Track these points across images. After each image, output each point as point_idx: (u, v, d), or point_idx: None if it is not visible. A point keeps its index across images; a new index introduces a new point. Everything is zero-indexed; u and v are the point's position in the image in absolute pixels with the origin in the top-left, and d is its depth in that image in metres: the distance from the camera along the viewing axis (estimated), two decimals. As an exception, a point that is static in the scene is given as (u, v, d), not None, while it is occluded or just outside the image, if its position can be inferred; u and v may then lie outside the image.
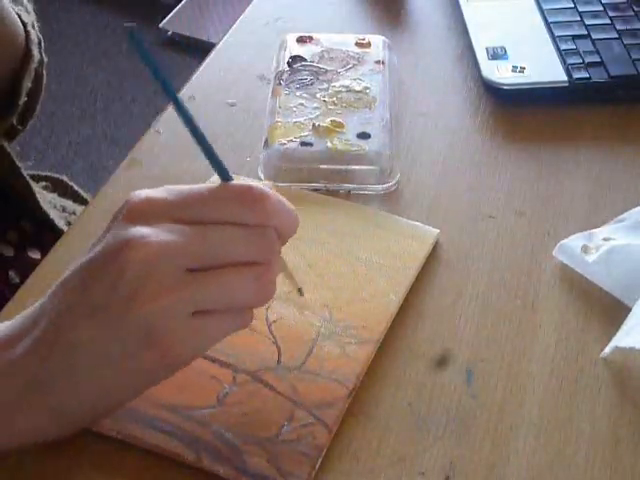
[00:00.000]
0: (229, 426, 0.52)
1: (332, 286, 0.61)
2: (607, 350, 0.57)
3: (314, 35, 0.81)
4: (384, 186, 0.69)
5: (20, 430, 0.48)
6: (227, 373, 0.55)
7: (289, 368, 0.55)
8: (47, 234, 0.84)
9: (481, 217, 0.68)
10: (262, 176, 0.69)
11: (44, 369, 0.46)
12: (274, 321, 0.58)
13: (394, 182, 0.70)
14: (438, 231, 0.65)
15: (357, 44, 0.81)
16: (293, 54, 0.79)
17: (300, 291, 0.54)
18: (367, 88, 0.75)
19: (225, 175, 0.48)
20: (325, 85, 0.76)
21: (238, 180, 0.48)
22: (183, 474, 0.51)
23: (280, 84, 0.75)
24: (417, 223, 0.66)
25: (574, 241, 0.63)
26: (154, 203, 0.46)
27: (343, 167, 0.69)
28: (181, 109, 0.49)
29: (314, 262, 0.62)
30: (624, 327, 0.57)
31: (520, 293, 0.62)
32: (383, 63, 0.78)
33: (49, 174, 0.92)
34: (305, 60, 0.78)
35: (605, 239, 0.62)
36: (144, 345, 0.45)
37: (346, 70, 0.77)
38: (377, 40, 0.81)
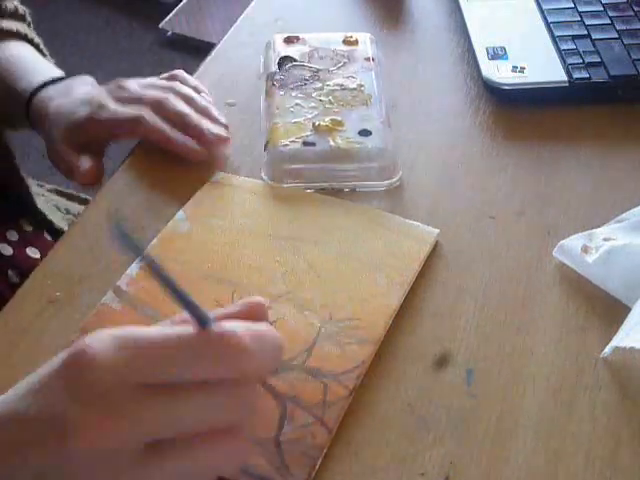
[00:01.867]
0: (229, 426, 0.52)
1: (332, 286, 0.61)
2: (607, 350, 0.57)
3: (300, 35, 0.81)
4: (388, 182, 0.69)
5: None
6: (227, 373, 0.55)
7: (289, 368, 0.55)
8: (46, 234, 0.84)
9: (481, 217, 0.68)
10: (265, 178, 0.69)
11: None
12: (274, 321, 0.58)
13: (397, 178, 0.70)
14: (438, 231, 0.65)
15: (345, 42, 0.81)
16: (282, 55, 0.79)
17: None
18: (361, 85, 0.75)
19: (203, 320, 0.40)
20: (319, 84, 0.76)
21: (218, 322, 0.40)
22: (183, 474, 0.51)
23: (274, 85, 0.76)
24: (417, 223, 0.66)
25: (574, 241, 0.63)
26: (108, 369, 0.38)
27: (347, 165, 0.69)
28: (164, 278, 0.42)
29: (314, 262, 0.62)
30: (624, 327, 0.57)
31: (520, 293, 0.62)
32: (373, 60, 0.78)
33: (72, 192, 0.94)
34: (295, 60, 0.78)
35: (605, 239, 0.62)
36: None
37: (338, 68, 0.77)
38: (364, 37, 0.81)
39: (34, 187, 0.87)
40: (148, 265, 0.41)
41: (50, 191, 0.93)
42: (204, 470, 0.39)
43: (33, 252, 0.81)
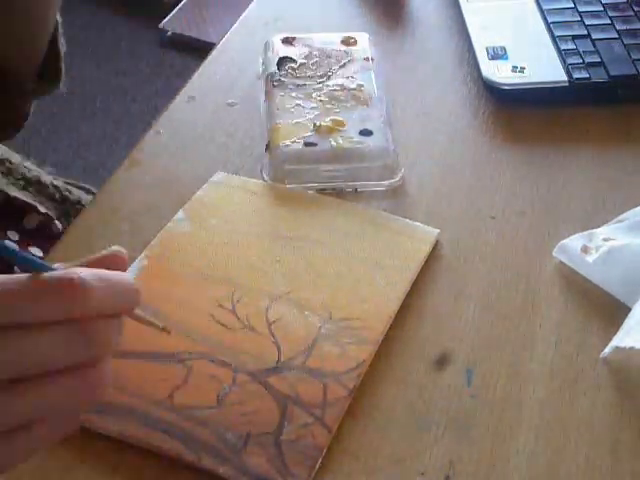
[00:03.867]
0: (229, 426, 0.52)
1: (332, 286, 0.61)
2: (607, 350, 0.57)
3: (298, 35, 0.81)
4: (390, 181, 0.70)
5: None
6: (227, 373, 0.55)
7: (289, 368, 0.55)
8: (49, 233, 0.84)
9: (481, 217, 0.68)
10: (267, 178, 0.69)
11: None
12: (274, 321, 0.58)
13: (399, 177, 0.70)
14: (438, 231, 0.65)
15: (343, 42, 0.81)
16: (280, 55, 0.79)
17: (165, 329, 0.46)
18: (361, 85, 0.75)
19: (37, 265, 0.40)
20: (319, 85, 0.76)
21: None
22: (183, 474, 0.51)
23: (274, 86, 0.76)
24: (417, 223, 0.66)
25: (574, 241, 0.63)
26: None
27: (349, 165, 0.69)
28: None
29: (314, 262, 0.62)
30: (624, 327, 0.57)
31: (520, 293, 0.62)
32: (372, 60, 0.78)
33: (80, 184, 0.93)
34: (294, 61, 0.78)
35: (605, 239, 0.62)
36: None
37: (337, 69, 0.78)
38: (362, 37, 0.81)
39: (44, 176, 0.87)
40: None
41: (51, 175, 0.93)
42: (48, 407, 0.40)
43: (36, 251, 0.81)
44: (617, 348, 0.56)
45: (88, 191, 0.93)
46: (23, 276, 0.40)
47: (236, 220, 0.66)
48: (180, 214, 0.66)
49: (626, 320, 0.57)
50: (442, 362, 0.57)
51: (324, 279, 0.61)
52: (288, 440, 0.52)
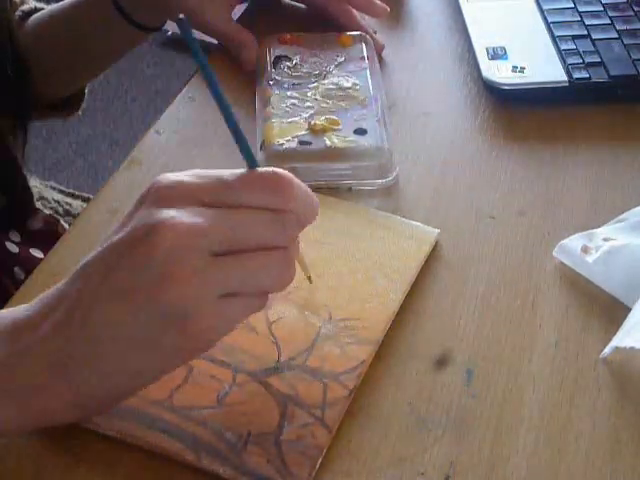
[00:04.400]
0: (229, 426, 0.52)
1: (332, 286, 0.61)
2: (607, 350, 0.57)
3: (294, 34, 0.81)
4: (384, 180, 0.70)
5: (39, 411, 0.48)
6: (227, 373, 0.55)
7: (289, 368, 0.55)
8: (51, 235, 0.84)
9: (481, 217, 0.68)
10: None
11: (67, 351, 0.46)
12: (274, 321, 0.58)
13: (393, 176, 0.70)
14: (438, 231, 0.65)
15: (338, 41, 0.81)
16: (276, 54, 0.79)
17: (309, 279, 0.57)
18: (356, 84, 0.75)
19: (252, 162, 0.49)
20: (315, 84, 0.76)
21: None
22: (183, 474, 0.51)
23: (269, 85, 0.76)
24: (417, 223, 0.66)
25: (574, 241, 0.63)
26: (181, 187, 0.47)
27: (343, 164, 0.69)
28: (219, 97, 0.50)
29: (314, 262, 0.62)
30: (624, 327, 0.57)
31: (520, 293, 0.62)
32: (367, 59, 0.78)
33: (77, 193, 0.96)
34: (290, 60, 0.79)
35: (605, 239, 0.62)
36: (172, 328, 0.45)
37: (333, 68, 0.78)
38: (357, 36, 0.81)
39: (39, 186, 0.88)
40: (208, 83, 0.49)
41: (53, 189, 0.94)
42: (255, 279, 0.47)
43: (37, 253, 0.81)
44: (617, 348, 0.56)
45: (87, 200, 0.93)
46: (240, 170, 0.48)
47: (236, 220, 0.66)
48: (180, 214, 0.66)
49: (626, 320, 0.57)
50: (442, 362, 0.57)
51: (324, 279, 0.61)
52: (288, 440, 0.52)
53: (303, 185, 0.49)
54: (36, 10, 0.88)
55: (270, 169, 0.48)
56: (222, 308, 0.46)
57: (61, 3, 0.87)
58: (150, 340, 0.46)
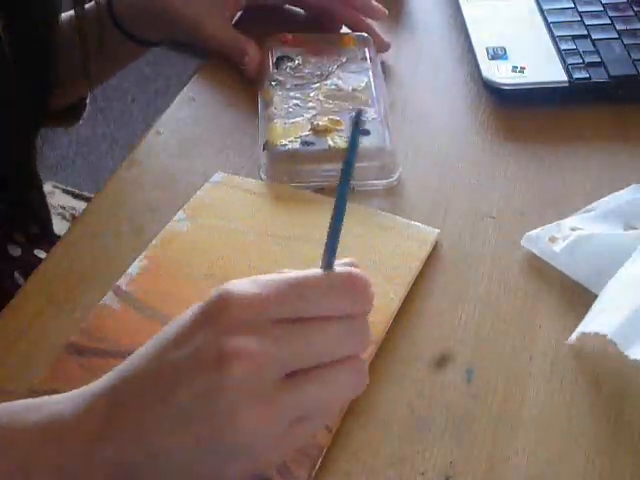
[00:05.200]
0: (229, 426, 0.52)
1: (332, 286, 0.60)
2: (573, 336, 0.58)
3: (296, 35, 0.81)
4: (387, 181, 0.70)
5: None
6: (227, 373, 0.55)
7: (289, 368, 0.55)
8: (54, 236, 0.84)
9: (481, 217, 0.68)
10: (264, 178, 0.69)
11: (127, 471, 0.43)
12: (274, 321, 0.58)
13: (396, 177, 0.70)
14: (438, 231, 0.65)
15: (340, 42, 0.81)
16: (278, 55, 0.79)
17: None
18: (359, 85, 0.76)
19: (329, 263, 0.45)
20: (317, 84, 0.76)
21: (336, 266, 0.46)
22: (183, 474, 0.51)
23: (271, 85, 0.76)
24: (417, 223, 0.66)
25: (541, 231, 0.63)
26: (254, 304, 0.43)
27: None
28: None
29: (314, 262, 0.62)
30: (590, 313, 0.58)
31: (520, 293, 0.62)
32: (369, 59, 0.79)
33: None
34: (292, 60, 0.79)
35: (572, 229, 0.63)
36: (235, 462, 0.43)
37: (335, 68, 0.78)
38: (359, 37, 0.81)
39: (50, 199, 0.89)
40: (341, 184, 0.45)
41: (58, 188, 0.94)
42: (331, 396, 0.44)
43: (40, 253, 0.81)
44: (583, 334, 0.57)
45: (88, 199, 0.94)
46: (315, 271, 0.45)
47: (236, 220, 0.66)
48: (180, 214, 0.66)
49: (592, 307, 0.58)
50: (442, 362, 0.57)
51: (324, 279, 0.61)
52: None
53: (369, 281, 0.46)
54: None
55: (346, 271, 0.45)
56: (291, 436, 0.43)
57: (63, 16, 0.87)
58: (212, 469, 0.43)
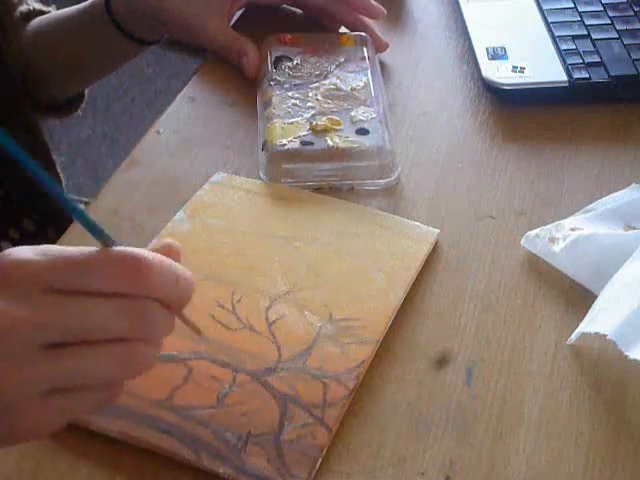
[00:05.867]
0: (229, 426, 0.52)
1: (332, 286, 0.61)
2: (573, 337, 0.58)
3: (294, 35, 0.81)
4: (386, 180, 0.70)
5: None
6: (227, 373, 0.55)
7: (289, 368, 0.55)
8: (49, 232, 0.84)
9: (481, 217, 0.68)
10: (264, 177, 0.69)
11: None
12: (274, 321, 0.58)
13: (395, 176, 0.70)
14: (438, 231, 0.65)
15: (339, 41, 0.81)
16: (277, 55, 0.79)
17: (198, 332, 0.49)
18: (358, 84, 0.76)
19: (104, 238, 0.43)
20: (316, 84, 0.76)
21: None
22: (183, 474, 0.51)
23: (270, 85, 0.76)
24: (417, 223, 0.66)
25: (541, 231, 0.63)
26: (27, 268, 0.42)
27: (345, 164, 0.69)
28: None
29: (314, 262, 0.62)
30: (590, 314, 0.58)
31: (520, 293, 0.62)
32: (368, 59, 0.79)
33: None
34: (290, 60, 0.79)
35: (572, 229, 0.63)
36: None
37: (333, 68, 0.78)
38: (358, 37, 0.81)
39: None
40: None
41: None
42: (90, 374, 0.43)
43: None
44: (583, 334, 0.57)
45: (87, 204, 0.94)
46: (91, 248, 0.43)
47: (236, 220, 0.66)
48: (180, 214, 0.66)
49: (592, 307, 0.58)
50: (442, 362, 0.57)
51: (324, 279, 0.61)
52: (288, 440, 0.52)
53: (173, 267, 0.44)
54: (35, 11, 0.88)
55: (129, 250, 0.43)
56: (49, 404, 0.43)
57: (59, 14, 0.87)
58: None
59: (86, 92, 0.95)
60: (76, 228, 0.68)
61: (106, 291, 0.42)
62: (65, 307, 0.42)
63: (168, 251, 0.45)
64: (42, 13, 0.88)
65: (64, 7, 0.88)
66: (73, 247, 0.43)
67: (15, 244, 0.80)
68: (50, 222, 0.85)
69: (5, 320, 0.41)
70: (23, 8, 0.88)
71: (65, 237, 0.67)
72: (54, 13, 0.88)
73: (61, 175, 0.88)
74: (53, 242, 0.66)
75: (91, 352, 0.43)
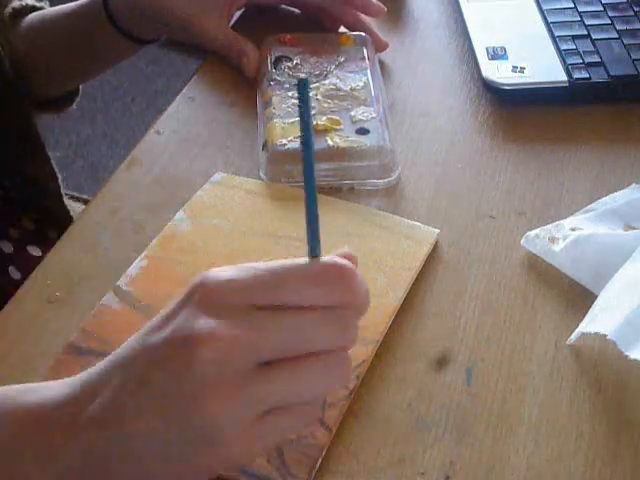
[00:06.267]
0: (229, 426, 0.52)
1: (332, 286, 0.60)
2: (573, 337, 0.58)
3: (294, 35, 0.81)
4: (386, 180, 0.70)
5: None
6: (227, 373, 0.55)
7: (289, 368, 0.55)
8: (49, 231, 0.84)
9: (481, 217, 0.68)
10: (264, 177, 0.69)
11: (105, 449, 0.43)
12: (274, 321, 0.58)
13: (396, 176, 0.70)
14: (438, 231, 0.65)
15: (338, 41, 0.81)
16: (276, 55, 0.79)
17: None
18: (358, 84, 0.76)
19: (314, 250, 0.44)
20: (315, 84, 0.76)
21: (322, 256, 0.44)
22: (183, 474, 0.51)
23: (270, 85, 0.76)
24: (417, 223, 0.66)
25: (541, 231, 0.63)
26: (231, 287, 0.42)
27: (345, 164, 0.69)
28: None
29: (314, 262, 0.62)
30: (590, 314, 0.58)
31: (520, 293, 0.62)
32: (368, 59, 0.79)
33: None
34: (290, 60, 0.79)
35: (572, 229, 0.63)
36: (203, 450, 0.41)
37: (333, 68, 0.78)
38: (358, 36, 0.82)
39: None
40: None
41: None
42: (305, 390, 0.42)
43: (34, 250, 0.81)
44: (583, 334, 0.57)
45: (87, 202, 0.94)
46: (300, 260, 0.44)
47: (236, 220, 0.66)
48: (180, 214, 0.66)
49: (592, 307, 0.58)
50: (442, 362, 0.57)
51: (324, 279, 0.61)
52: (288, 440, 0.51)
53: (360, 275, 0.44)
54: (28, 7, 0.87)
55: (331, 260, 0.43)
56: (262, 428, 0.42)
57: (56, 10, 0.87)
58: (181, 452, 0.42)
59: (81, 87, 0.95)
60: (76, 228, 0.68)
61: (315, 303, 0.42)
62: (280, 323, 0.42)
63: (350, 259, 0.45)
64: (35, 9, 0.88)
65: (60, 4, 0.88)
66: (272, 261, 0.43)
67: (15, 243, 0.80)
68: (50, 222, 0.85)
69: (219, 342, 0.40)
70: (16, 4, 0.87)
71: (65, 237, 0.67)
72: (51, 9, 0.88)
73: (56, 170, 0.87)
74: (53, 242, 0.66)
75: (303, 368, 0.42)
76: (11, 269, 0.78)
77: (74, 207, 0.91)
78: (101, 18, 0.82)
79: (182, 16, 0.79)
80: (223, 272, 0.42)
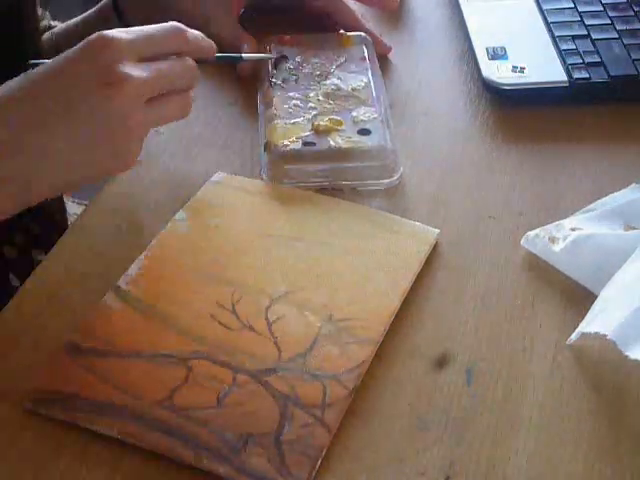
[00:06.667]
0: (229, 426, 0.52)
1: (332, 286, 0.61)
2: (573, 336, 0.58)
3: (294, 35, 0.82)
4: (388, 180, 0.70)
5: None
6: (227, 373, 0.55)
7: (289, 368, 0.55)
8: (54, 235, 0.84)
9: (481, 217, 0.68)
10: (266, 178, 0.69)
11: (19, 140, 0.56)
12: (274, 321, 0.58)
13: (398, 176, 0.70)
14: (438, 231, 0.65)
15: (338, 41, 0.81)
16: (277, 55, 0.79)
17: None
18: (358, 84, 0.76)
19: None
20: (317, 84, 0.76)
21: None
22: (183, 474, 0.51)
23: (271, 86, 0.76)
24: (417, 223, 0.66)
25: (541, 231, 0.63)
26: (127, 43, 0.57)
27: (347, 164, 0.69)
28: None
29: (314, 262, 0.62)
30: (590, 314, 0.58)
31: (520, 293, 0.62)
32: (368, 59, 0.79)
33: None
34: (291, 60, 0.79)
35: (572, 229, 0.63)
36: (110, 127, 0.57)
37: (334, 68, 0.78)
38: (358, 36, 0.82)
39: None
40: None
41: None
42: (169, 113, 0.62)
43: (39, 254, 0.81)
44: (583, 334, 0.57)
45: (87, 204, 0.94)
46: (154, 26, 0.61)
47: (236, 220, 0.66)
48: (180, 214, 0.66)
49: (592, 307, 0.58)
50: (442, 362, 0.57)
51: (324, 279, 0.61)
52: (288, 440, 0.52)
53: (196, 33, 0.64)
54: (49, 28, 0.89)
55: (171, 23, 0.62)
56: (150, 112, 0.59)
57: (72, 21, 0.88)
58: (95, 142, 0.57)
59: None
60: (76, 228, 0.68)
61: (169, 53, 0.61)
62: (158, 69, 0.59)
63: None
64: (51, 28, 0.90)
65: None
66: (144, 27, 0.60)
67: (19, 248, 0.80)
68: (54, 226, 0.85)
69: (136, 80, 0.57)
70: (44, 23, 0.89)
71: (65, 237, 0.67)
72: (69, 22, 0.89)
73: None
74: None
75: (172, 100, 0.61)
76: (11, 276, 0.78)
77: (76, 210, 0.92)
78: (110, 17, 0.83)
79: (193, 16, 0.79)
80: (116, 32, 0.58)
